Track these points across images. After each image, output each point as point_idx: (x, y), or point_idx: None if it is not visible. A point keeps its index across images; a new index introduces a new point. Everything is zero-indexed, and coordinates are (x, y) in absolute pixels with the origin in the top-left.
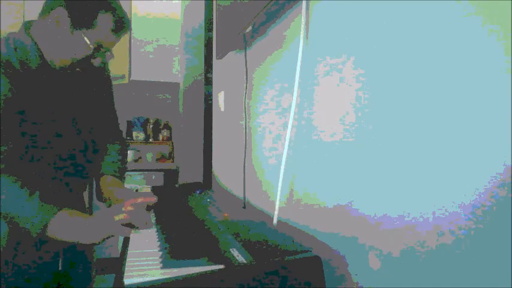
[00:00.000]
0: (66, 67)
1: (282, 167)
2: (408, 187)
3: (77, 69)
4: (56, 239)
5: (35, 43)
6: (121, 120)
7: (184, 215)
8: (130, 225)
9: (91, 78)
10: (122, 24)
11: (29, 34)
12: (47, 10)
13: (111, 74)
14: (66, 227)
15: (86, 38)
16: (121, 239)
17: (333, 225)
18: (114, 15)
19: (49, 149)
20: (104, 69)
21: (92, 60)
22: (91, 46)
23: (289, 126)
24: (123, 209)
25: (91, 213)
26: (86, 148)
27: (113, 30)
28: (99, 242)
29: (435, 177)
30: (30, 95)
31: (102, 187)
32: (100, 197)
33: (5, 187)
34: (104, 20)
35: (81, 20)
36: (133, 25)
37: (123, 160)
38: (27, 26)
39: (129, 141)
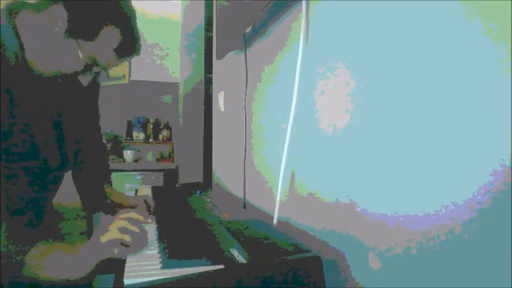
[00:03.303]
0: (47, 77)
1: (282, 167)
2: (409, 185)
3: (59, 80)
4: (35, 278)
5: (17, 35)
6: (121, 120)
7: (184, 215)
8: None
9: (78, 84)
10: (130, 49)
11: (11, 24)
12: (44, 4)
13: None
14: (46, 263)
15: (79, 51)
16: None
17: (334, 225)
18: (124, 34)
19: (22, 162)
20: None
21: (80, 78)
22: (83, 61)
23: (289, 125)
24: (110, 228)
25: (90, 234)
26: (65, 161)
27: (116, 51)
28: (92, 271)
29: (436, 175)
30: (5, 97)
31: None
32: (92, 207)
33: None
34: (110, 35)
35: (82, 28)
36: None
37: (106, 167)
38: (11, 9)
39: (129, 141)
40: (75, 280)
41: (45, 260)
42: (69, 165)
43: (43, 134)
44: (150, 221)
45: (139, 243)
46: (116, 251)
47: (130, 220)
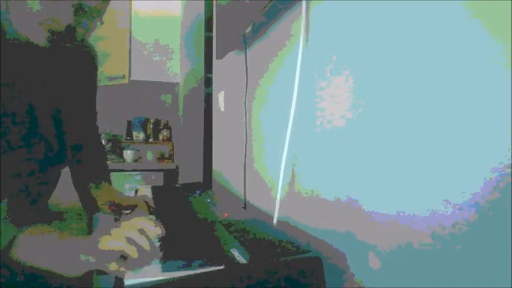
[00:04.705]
0: (42, 43)
1: (282, 167)
2: (409, 185)
3: (56, 44)
4: (22, 263)
5: (7, 9)
6: (121, 120)
7: (184, 215)
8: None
9: (76, 66)
10: None
11: (7, 8)
12: None
13: (102, 70)
14: (37, 247)
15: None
16: None
17: (334, 225)
18: None
19: (20, 149)
20: (92, 63)
21: (77, 31)
22: (71, 9)
23: (289, 125)
24: (112, 232)
25: (90, 231)
26: (64, 157)
27: None
28: (78, 276)
29: (437, 175)
30: (5, 76)
31: (97, 196)
32: (92, 207)
33: None
34: None
35: None
36: (133, 25)
37: (104, 165)
38: None
39: (129, 141)
40: (62, 277)
41: (37, 245)
42: (67, 162)
43: (42, 116)
44: (160, 231)
45: (144, 261)
46: (114, 267)
47: (142, 230)
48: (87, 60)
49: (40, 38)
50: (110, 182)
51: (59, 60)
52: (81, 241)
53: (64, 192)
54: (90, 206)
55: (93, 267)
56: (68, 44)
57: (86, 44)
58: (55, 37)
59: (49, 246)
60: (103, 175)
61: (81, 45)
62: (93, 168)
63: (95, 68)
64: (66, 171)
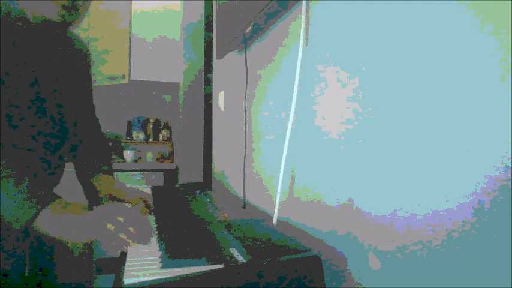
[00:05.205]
0: (46, 22)
1: (282, 167)
2: (409, 186)
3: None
4: (42, 233)
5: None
6: (121, 120)
7: (184, 215)
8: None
9: (71, 58)
10: None
11: None
12: None
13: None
14: (56, 221)
15: None
16: None
17: (334, 225)
18: None
19: (28, 129)
20: (85, 58)
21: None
22: None
23: (289, 125)
24: (119, 218)
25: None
26: (66, 135)
27: None
28: (83, 243)
29: (436, 176)
30: (13, 55)
31: (98, 187)
32: (95, 200)
33: None
34: None
35: None
36: (133, 25)
37: (108, 159)
38: None
39: (129, 141)
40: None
41: (54, 219)
42: (71, 149)
43: (48, 98)
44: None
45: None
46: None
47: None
48: (81, 54)
49: (52, 13)
50: (111, 174)
51: (55, 47)
52: (88, 215)
53: (65, 192)
54: (93, 199)
55: (97, 238)
56: (73, 20)
57: (80, 43)
58: (66, 12)
59: (64, 219)
60: (105, 167)
61: (75, 41)
62: (95, 161)
63: (88, 62)
64: (68, 172)
